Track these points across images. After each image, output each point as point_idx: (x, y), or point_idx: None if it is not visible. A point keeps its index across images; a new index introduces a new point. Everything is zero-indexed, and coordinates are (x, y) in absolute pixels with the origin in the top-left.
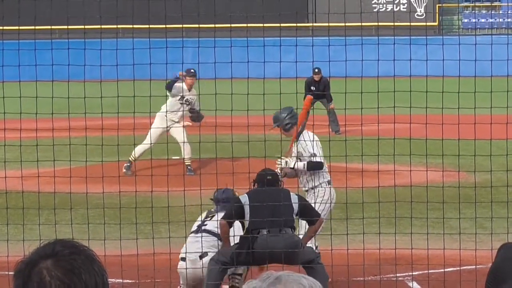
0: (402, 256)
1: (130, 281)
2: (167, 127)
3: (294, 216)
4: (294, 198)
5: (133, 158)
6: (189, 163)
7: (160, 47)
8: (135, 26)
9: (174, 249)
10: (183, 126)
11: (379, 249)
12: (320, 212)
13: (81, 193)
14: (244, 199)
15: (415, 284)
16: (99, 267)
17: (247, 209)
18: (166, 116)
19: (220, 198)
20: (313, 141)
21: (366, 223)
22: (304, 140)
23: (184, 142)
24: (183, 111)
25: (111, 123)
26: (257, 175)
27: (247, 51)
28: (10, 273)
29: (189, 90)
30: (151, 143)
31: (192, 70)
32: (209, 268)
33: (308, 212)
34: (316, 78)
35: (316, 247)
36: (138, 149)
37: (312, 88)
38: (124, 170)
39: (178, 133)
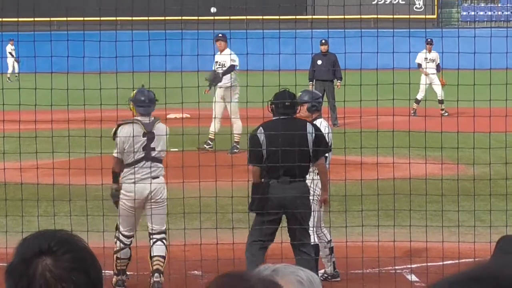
0: (401, 248)
1: (129, 273)
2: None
3: (310, 146)
4: (310, 128)
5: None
6: (238, 140)
7: (159, 39)
8: (134, 18)
9: (173, 241)
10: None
11: (378, 242)
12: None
13: (79, 185)
14: (261, 137)
15: (413, 276)
16: (93, 262)
17: (264, 151)
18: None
19: (145, 99)
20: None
21: (365, 215)
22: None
23: (235, 118)
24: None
25: (110, 115)
26: (275, 96)
27: (246, 43)
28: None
29: (221, 53)
30: (216, 117)
31: (220, 35)
32: (247, 258)
33: (321, 141)
34: (323, 49)
35: (330, 241)
36: (213, 127)
37: (318, 62)
38: (206, 146)
39: (233, 108)
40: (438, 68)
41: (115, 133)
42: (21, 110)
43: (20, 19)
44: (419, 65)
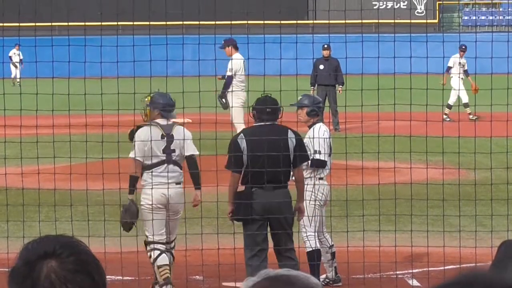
0: (402, 253)
1: (130, 278)
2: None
3: (292, 153)
4: (291, 134)
5: None
6: None
7: (161, 44)
8: (135, 23)
9: None
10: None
11: (379, 247)
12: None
13: (81, 190)
14: (243, 144)
15: (415, 281)
16: (96, 265)
17: (245, 158)
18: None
19: (163, 103)
20: (319, 138)
21: (366, 220)
22: (311, 137)
23: (238, 123)
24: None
25: (111, 120)
26: (257, 102)
27: (247, 48)
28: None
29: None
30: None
31: (223, 41)
32: (247, 264)
33: (301, 148)
34: (325, 53)
35: (332, 246)
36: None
37: (320, 67)
38: None
39: (233, 112)
40: (466, 73)
41: (132, 134)
42: (22, 115)
43: (21, 24)
44: (449, 68)
